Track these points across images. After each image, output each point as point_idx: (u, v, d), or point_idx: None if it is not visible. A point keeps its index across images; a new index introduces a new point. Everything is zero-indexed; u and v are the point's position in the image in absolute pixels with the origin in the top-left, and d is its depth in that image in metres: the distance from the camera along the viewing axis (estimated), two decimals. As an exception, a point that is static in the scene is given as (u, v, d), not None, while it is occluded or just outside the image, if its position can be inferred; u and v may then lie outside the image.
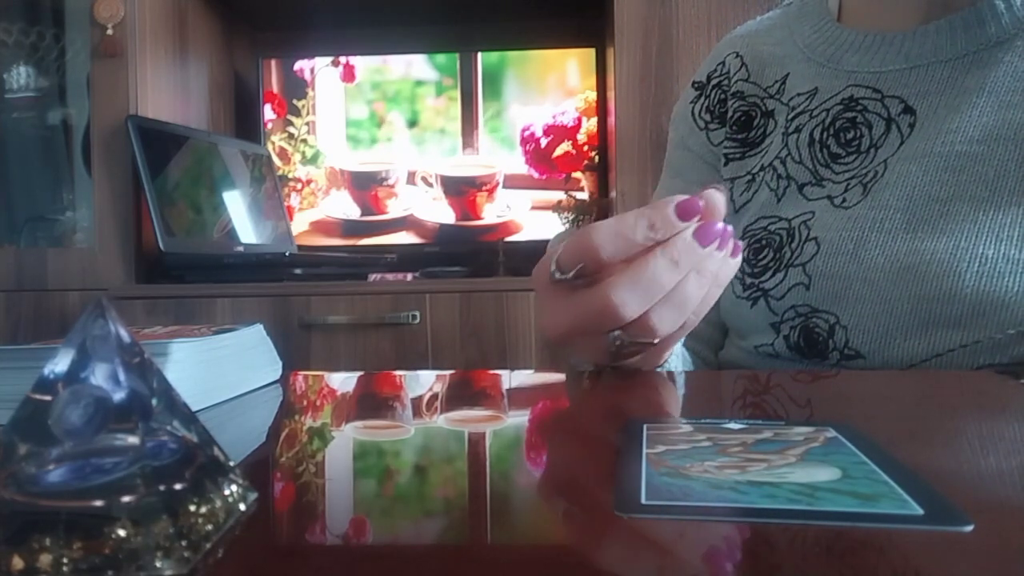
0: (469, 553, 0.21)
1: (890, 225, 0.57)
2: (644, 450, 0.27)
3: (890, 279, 0.56)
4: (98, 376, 0.21)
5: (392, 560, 0.21)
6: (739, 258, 0.42)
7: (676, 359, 0.54)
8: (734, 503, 0.22)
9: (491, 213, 1.83)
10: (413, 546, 0.22)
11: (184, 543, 0.19)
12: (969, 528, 0.20)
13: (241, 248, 1.65)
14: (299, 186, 1.85)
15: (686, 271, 0.40)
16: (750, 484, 0.23)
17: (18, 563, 0.18)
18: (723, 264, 0.41)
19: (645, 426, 0.31)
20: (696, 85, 0.75)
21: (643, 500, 0.23)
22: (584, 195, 1.80)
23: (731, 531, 0.21)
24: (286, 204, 1.83)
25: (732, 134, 0.70)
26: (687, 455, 0.27)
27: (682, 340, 0.51)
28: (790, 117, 0.66)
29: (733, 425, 0.31)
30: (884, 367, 0.56)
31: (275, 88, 1.86)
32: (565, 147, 1.81)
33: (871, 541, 0.20)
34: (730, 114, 0.71)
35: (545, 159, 1.82)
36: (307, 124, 1.85)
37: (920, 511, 0.21)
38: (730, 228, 0.41)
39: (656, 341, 0.42)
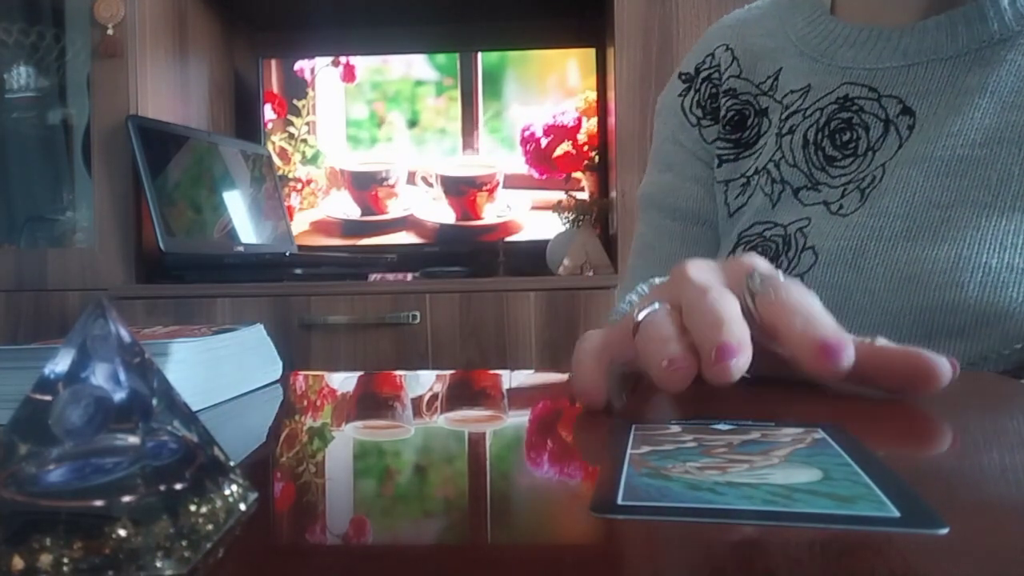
0: (467, 553, 0.21)
1: (890, 233, 0.55)
2: (628, 451, 0.27)
3: (891, 289, 0.54)
4: (98, 376, 0.21)
5: (392, 560, 0.21)
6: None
7: None
8: (709, 504, 0.22)
9: (491, 213, 1.83)
10: (413, 546, 0.22)
11: (184, 543, 0.19)
12: (944, 531, 0.20)
13: (241, 248, 1.65)
14: (299, 186, 1.85)
15: None
16: (728, 485, 0.23)
17: (18, 563, 0.18)
18: None
19: (634, 426, 0.31)
20: (683, 77, 0.72)
21: (619, 501, 0.22)
22: (584, 195, 1.80)
23: (703, 532, 0.21)
24: (286, 204, 1.83)
25: (725, 134, 0.68)
26: (670, 456, 0.27)
27: None
28: (783, 116, 0.64)
29: (722, 426, 0.31)
30: None
31: (275, 88, 1.86)
32: (565, 147, 1.81)
33: (844, 543, 0.20)
34: (723, 112, 0.68)
35: (545, 159, 1.82)
36: (307, 124, 1.86)
37: (896, 513, 0.21)
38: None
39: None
